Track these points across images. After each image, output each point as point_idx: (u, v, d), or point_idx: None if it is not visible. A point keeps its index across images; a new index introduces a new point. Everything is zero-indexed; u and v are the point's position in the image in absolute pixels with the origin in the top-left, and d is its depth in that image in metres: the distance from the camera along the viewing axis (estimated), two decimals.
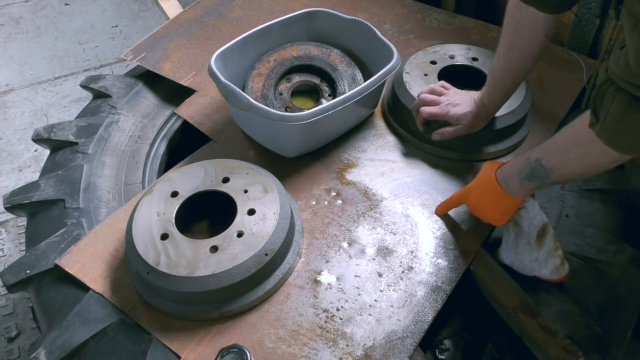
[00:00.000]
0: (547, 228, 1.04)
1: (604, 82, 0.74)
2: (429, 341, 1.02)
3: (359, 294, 1.04)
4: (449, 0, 1.73)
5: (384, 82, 1.27)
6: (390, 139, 1.33)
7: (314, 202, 1.19)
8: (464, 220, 1.15)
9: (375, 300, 1.03)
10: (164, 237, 1.01)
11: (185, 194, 1.07)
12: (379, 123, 1.37)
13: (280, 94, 1.33)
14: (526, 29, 1.03)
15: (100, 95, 1.45)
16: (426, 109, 1.22)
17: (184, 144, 1.37)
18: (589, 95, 0.81)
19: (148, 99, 1.44)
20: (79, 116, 1.42)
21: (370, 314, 1.01)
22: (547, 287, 1.05)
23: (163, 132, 1.38)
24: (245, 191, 1.07)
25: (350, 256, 1.09)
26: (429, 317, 1.00)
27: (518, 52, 1.07)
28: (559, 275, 1.04)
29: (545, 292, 1.05)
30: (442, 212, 1.16)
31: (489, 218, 1.08)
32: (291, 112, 1.28)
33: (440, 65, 1.36)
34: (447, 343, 1.05)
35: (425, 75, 1.34)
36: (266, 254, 0.99)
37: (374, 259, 1.09)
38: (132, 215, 1.06)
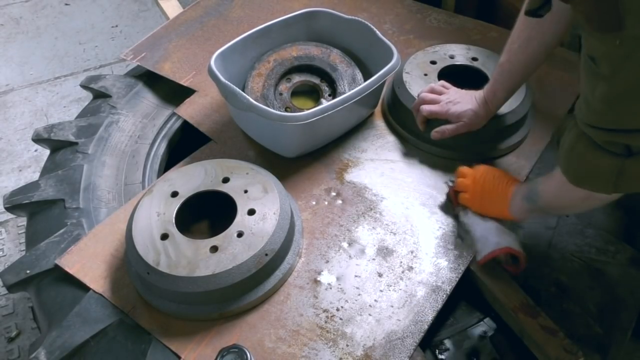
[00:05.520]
0: None
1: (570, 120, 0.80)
2: (428, 341, 1.02)
3: (359, 294, 1.03)
4: (449, 0, 1.73)
5: (384, 82, 1.27)
6: (390, 139, 1.33)
7: (314, 202, 1.19)
8: None
9: (375, 300, 1.03)
10: (164, 237, 1.01)
11: (185, 194, 1.07)
12: (379, 123, 1.37)
13: (280, 94, 1.33)
14: (549, 22, 1.02)
15: (100, 95, 1.45)
16: (426, 107, 1.22)
17: (184, 144, 1.37)
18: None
19: (148, 99, 1.44)
20: (79, 116, 1.42)
21: (370, 314, 1.01)
22: (547, 286, 1.05)
23: (163, 132, 1.38)
24: (245, 191, 1.07)
25: (350, 256, 1.09)
26: (429, 317, 1.00)
27: (536, 46, 1.07)
28: (519, 247, 1.04)
29: (545, 292, 1.05)
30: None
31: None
32: (291, 112, 1.28)
33: (440, 65, 1.36)
34: (447, 343, 1.05)
35: (425, 75, 1.34)
36: (266, 254, 0.99)
37: (374, 259, 1.09)
38: (132, 215, 1.06)
